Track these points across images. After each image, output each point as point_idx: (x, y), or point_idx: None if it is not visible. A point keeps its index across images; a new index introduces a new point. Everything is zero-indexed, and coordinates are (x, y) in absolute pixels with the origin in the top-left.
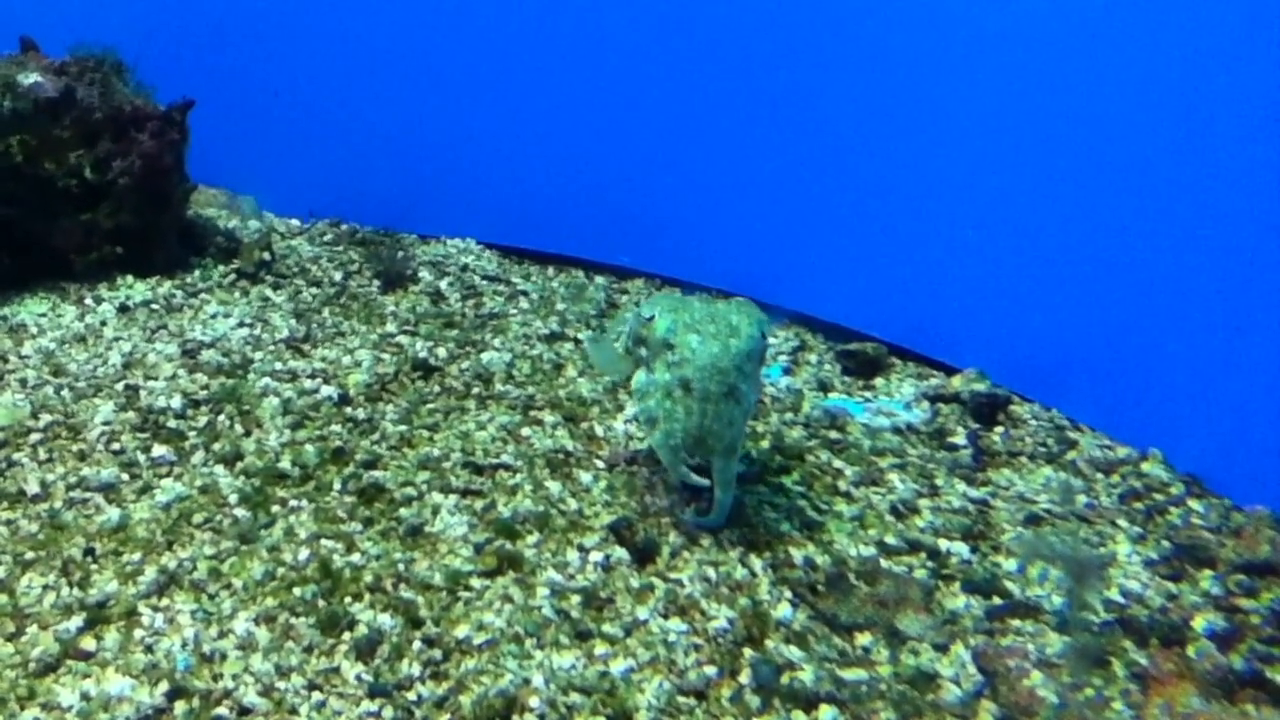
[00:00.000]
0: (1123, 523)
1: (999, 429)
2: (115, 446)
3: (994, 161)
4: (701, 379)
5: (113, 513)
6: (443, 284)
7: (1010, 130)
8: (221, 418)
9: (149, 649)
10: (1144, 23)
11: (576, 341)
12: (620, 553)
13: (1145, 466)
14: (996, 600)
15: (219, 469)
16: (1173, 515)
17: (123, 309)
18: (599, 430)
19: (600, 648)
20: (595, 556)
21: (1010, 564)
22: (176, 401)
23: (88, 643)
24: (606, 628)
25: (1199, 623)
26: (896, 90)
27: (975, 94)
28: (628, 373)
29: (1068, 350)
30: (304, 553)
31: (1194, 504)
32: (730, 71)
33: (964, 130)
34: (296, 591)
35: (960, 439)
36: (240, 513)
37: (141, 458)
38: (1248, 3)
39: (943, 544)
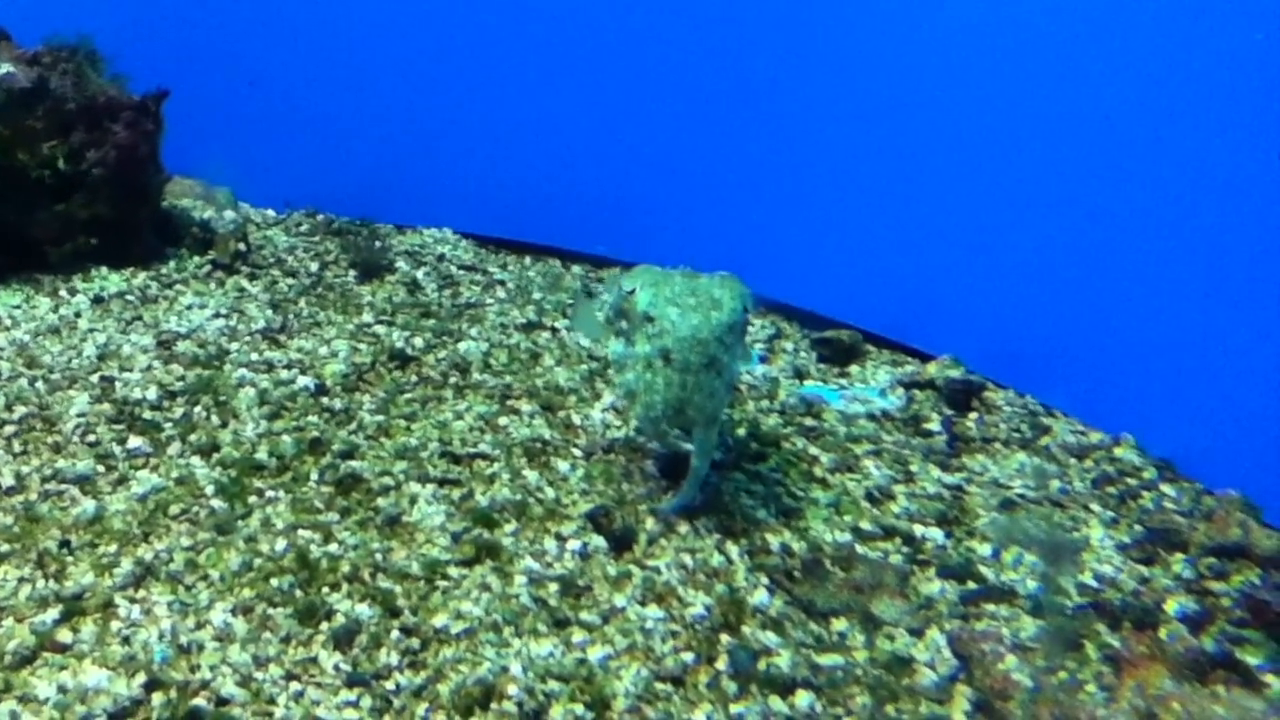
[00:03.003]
0: (1096, 507)
1: (973, 415)
2: (90, 438)
3: (967, 151)
4: (682, 350)
5: (88, 505)
6: (419, 274)
7: (983, 120)
8: (198, 409)
9: (126, 641)
10: (1110, 11)
11: (553, 330)
12: (598, 541)
13: (1118, 451)
14: (971, 585)
15: (195, 460)
16: (1145, 499)
17: (97, 300)
18: (576, 419)
19: (578, 635)
20: (573, 545)
21: (985, 549)
22: (152, 393)
23: (64, 635)
24: (584, 615)
25: (1171, 606)
26: (870, 80)
27: (949, 84)
28: (607, 340)
29: (1041, 337)
30: (281, 543)
31: (1166, 488)
32: (706, 61)
33: (938, 120)
34: (274, 582)
35: (935, 425)
36: (217, 504)
37: (117, 449)
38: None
39: (918, 529)
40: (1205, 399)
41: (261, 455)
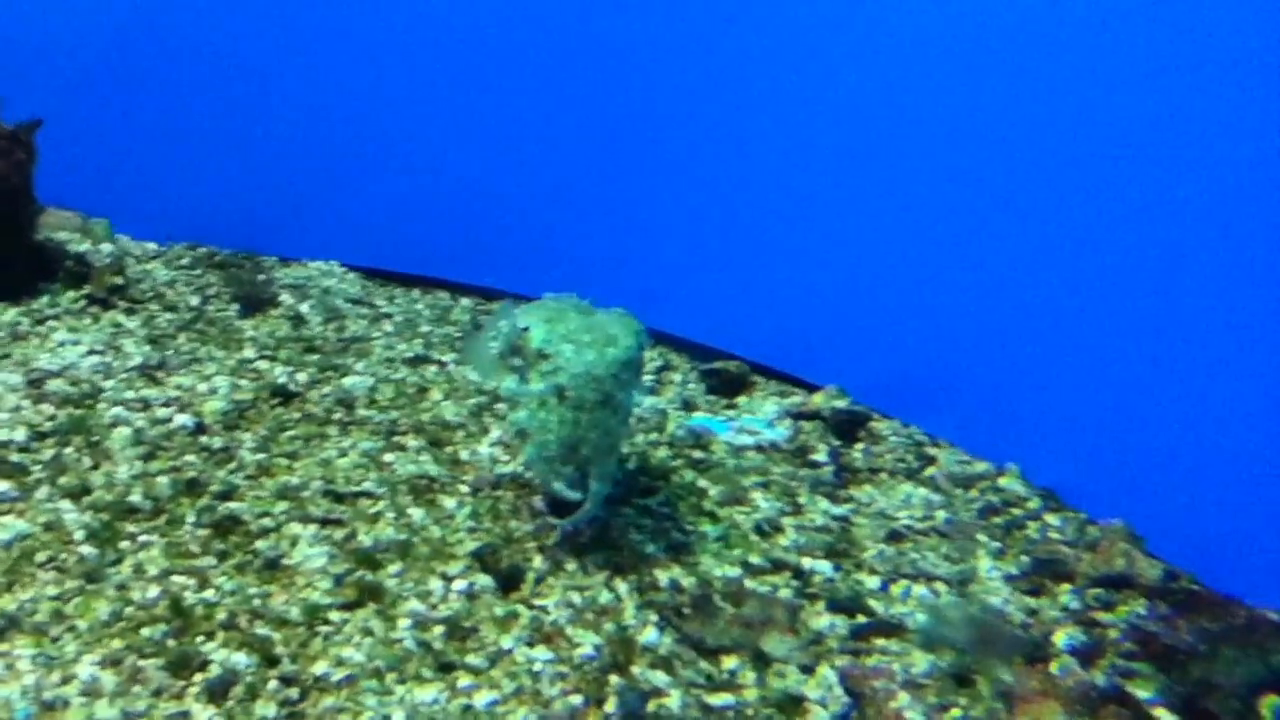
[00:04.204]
0: (982, 538)
1: (859, 445)
2: None
3: (849, 180)
4: (577, 386)
5: None
6: (304, 307)
7: (863, 149)
8: (69, 450)
9: None
10: (982, 37)
11: (441, 364)
12: (484, 580)
13: (1002, 481)
14: (860, 619)
15: (65, 504)
16: (1030, 530)
17: None
18: (464, 454)
19: (464, 680)
20: (459, 585)
21: (873, 581)
22: (20, 434)
23: None
24: (470, 659)
25: (1059, 638)
26: (752, 109)
27: (826, 114)
28: (500, 378)
29: (925, 366)
30: (154, 590)
31: (1051, 518)
32: (588, 89)
33: (821, 150)
34: (145, 632)
35: (822, 456)
36: (87, 550)
37: None
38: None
39: (806, 562)
40: (1087, 427)
41: (135, 497)
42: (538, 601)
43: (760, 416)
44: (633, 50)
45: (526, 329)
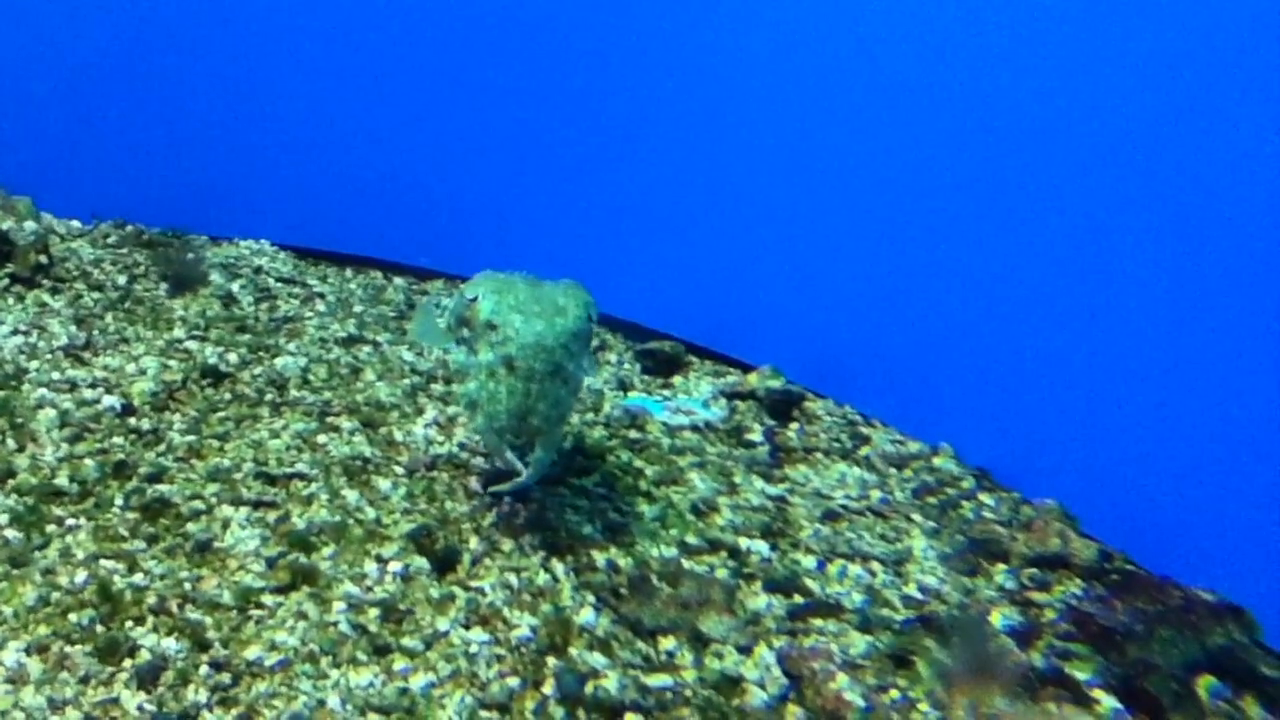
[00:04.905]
0: (917, 517)
1: (794, 425)
2: None
3: (784, 160)
4: (525, 357)
5: None
6: (235, 286)
7: (798, 129)
8: None
9: None
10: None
11: (375, 345)
12: (420, 562)
13: (937, 461)
14: (798, 599)
15: None
16: (965, 509)
17: None
18: (398, 435)
19: (400, 663)
20: (394, 567)
21: (809, 561)
22: None
23: None
24: (406, 641)
25: (996, 618)
26: (687, 89)
27: (763, 92)
28: (447, 348)
29: (859, 346)
30: (81, 575)
31: (985, 498)
32: (524, 68)
33: (755, 128)
34: (72, 617)
35: (757, 436)
36: (11, 534)
37: None
38: None
39: (743, 542)
40: (1020, 407)
41: (61, 481)
42: (474, 583)
43: (696, 396)
44: (564, 30)
45: (474, 300)
